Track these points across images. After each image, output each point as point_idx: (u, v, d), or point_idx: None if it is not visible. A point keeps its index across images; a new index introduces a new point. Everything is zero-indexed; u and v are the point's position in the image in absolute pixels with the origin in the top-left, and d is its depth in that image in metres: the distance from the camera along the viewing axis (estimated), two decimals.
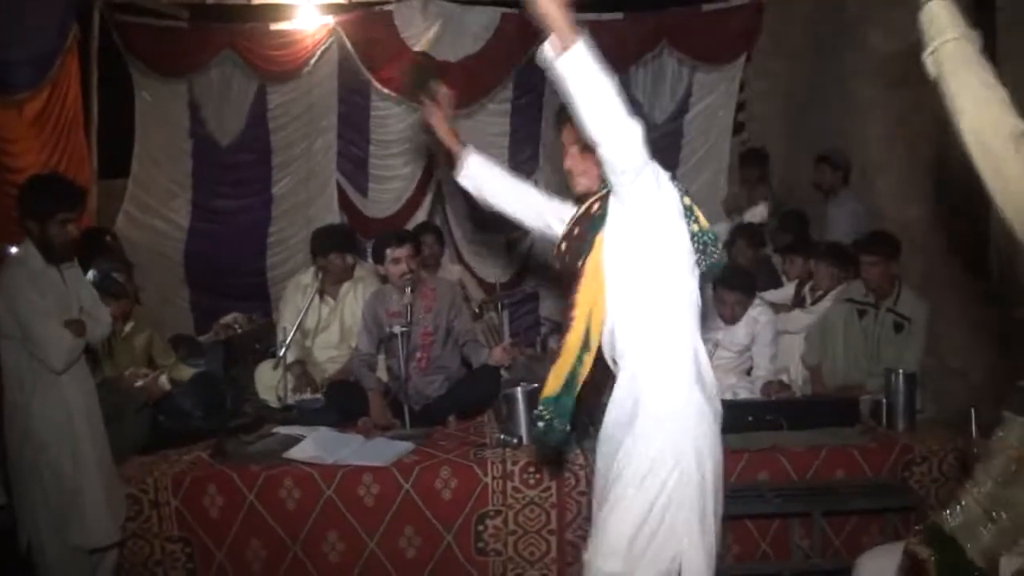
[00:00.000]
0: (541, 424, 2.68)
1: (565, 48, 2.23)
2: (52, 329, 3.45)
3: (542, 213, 2.95)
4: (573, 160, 2.67)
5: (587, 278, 2.57)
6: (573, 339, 2.59)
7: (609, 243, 2.54)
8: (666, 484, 2.43)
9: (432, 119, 3.01)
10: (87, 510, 3.57)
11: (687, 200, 2.52)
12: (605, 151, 2.33)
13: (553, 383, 2.65)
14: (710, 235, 2.56)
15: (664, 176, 2.50)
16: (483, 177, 3.01)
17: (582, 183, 2.67)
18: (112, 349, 4.57)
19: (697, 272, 2.56)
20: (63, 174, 4.78)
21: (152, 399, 4.37)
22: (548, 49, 2.27)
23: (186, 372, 4.85)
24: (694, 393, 2.54)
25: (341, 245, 5.18)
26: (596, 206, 2.61)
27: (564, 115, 2.52)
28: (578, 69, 2.24)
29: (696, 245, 2.53)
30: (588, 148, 2.44)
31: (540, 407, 2.70)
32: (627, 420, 2.54)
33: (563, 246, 2.69)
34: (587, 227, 2.61)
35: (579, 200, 2.72)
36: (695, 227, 2.52)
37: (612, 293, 2.55)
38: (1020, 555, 2.43)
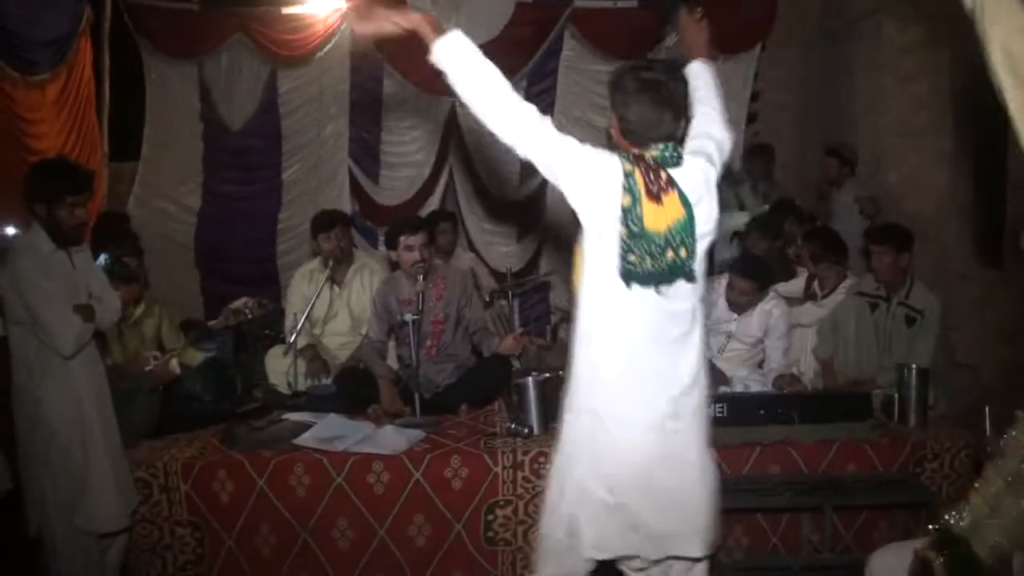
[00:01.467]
0: None
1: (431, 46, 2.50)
2: (61, 314, 3.44)
3: None
4: None
5: None
6: None
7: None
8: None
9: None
10: (96, 495, 3.57)
11: (627, 200, 2.40)
12: (489, 128, 2.49)
13: None
14: (655, 243, 2.41)
15: (592, 169, 2.45)
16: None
17: None
18: (122, 334, 4.57)
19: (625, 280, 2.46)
20: (71, 157, 4.78)
21: (162, 383, 4.37)
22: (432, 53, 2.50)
23: (196, 357, 4.84)
24: (574, 417, 2.62)
25: (327, 226, 5.16)
26: None
27: None
28: (450, 61, 2.51)
29: (622, 249, 2.43)
30: None
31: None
32: None
33: None
34: None
35: None
36: (633, 228, 2.40)
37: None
38: None
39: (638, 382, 2.54)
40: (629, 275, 2.44)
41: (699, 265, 2.52)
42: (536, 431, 4.07)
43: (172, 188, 7.41)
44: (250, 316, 5.78)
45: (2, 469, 3.89)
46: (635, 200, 2.39)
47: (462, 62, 2.51)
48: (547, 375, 4.25)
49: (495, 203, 7.50)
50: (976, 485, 2.59)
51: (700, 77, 2.80)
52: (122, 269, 4.36)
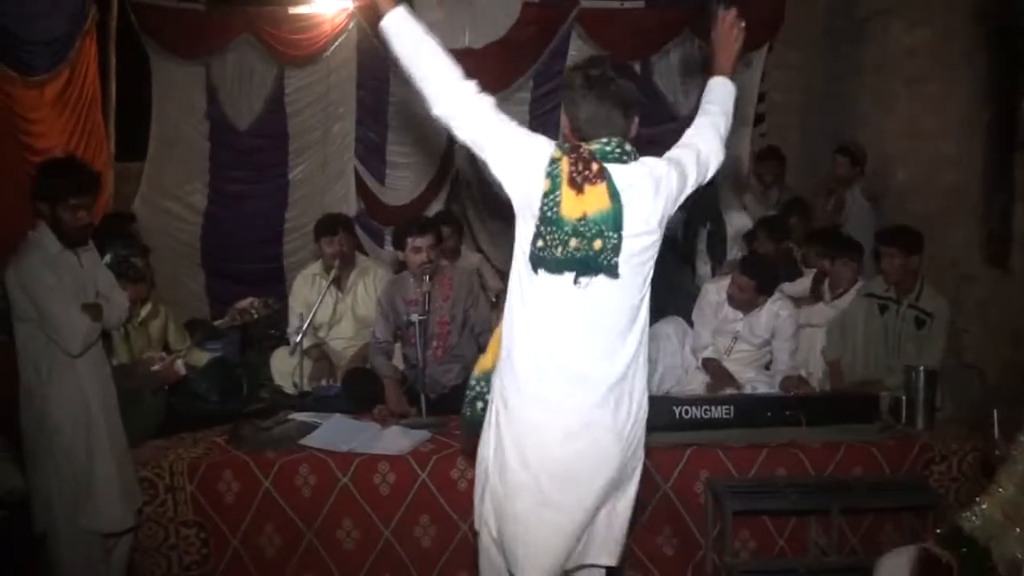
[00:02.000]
0: (479, 404, 2.65)
1: (381, 16, 2.50)
2: (69, 313, 3.44)
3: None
4: None
5: None
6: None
7: None
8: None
9: None
10: (101, 495, 3.57)
11: (547, 185, 2.37)
12: (425, 101, 2.52)
13: (491, 357, 2.62)
14: (564, 231, 2.35)
15: (519, 151, 2.47)
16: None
17: None
18: (127, 334, 4.58)
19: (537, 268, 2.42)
20: (79, 158, 4.78)
21: (168, 383, 4.37)
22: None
23: (201, 357, 4.85)
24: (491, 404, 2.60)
25: (329, 230, 5.14)
26: None
27: None
28: (394, 32, 2.49)
29: (534, 233, 2.39)
30: None
31: (473, 382, 2.68)
32: None
33: None
34: None
35: None
36: (548, 213, 2.36)
37: None
38: None
39: (548, 380, 2.46)
40: (537, 260, 2.40)
41: (629, 262, 2.42)
42: None
43: (178, 188, 7.40)
44: (256, 316, 5.79)
45: (13, 468, 3.89)
46: (555, 186, 2.35)
47: (405, 33, 2.50)
48: None
49: (501, 203, 7.45)
50: (988, 490, 2.59)
51: (714, 92, 2.80)
52: (129, 268, 4.37)
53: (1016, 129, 4.72)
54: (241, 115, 7.38)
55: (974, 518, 2.54)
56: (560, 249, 2.35)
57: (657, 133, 7.31)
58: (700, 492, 3.87)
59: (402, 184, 7.51)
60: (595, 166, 2.36)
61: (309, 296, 5.07)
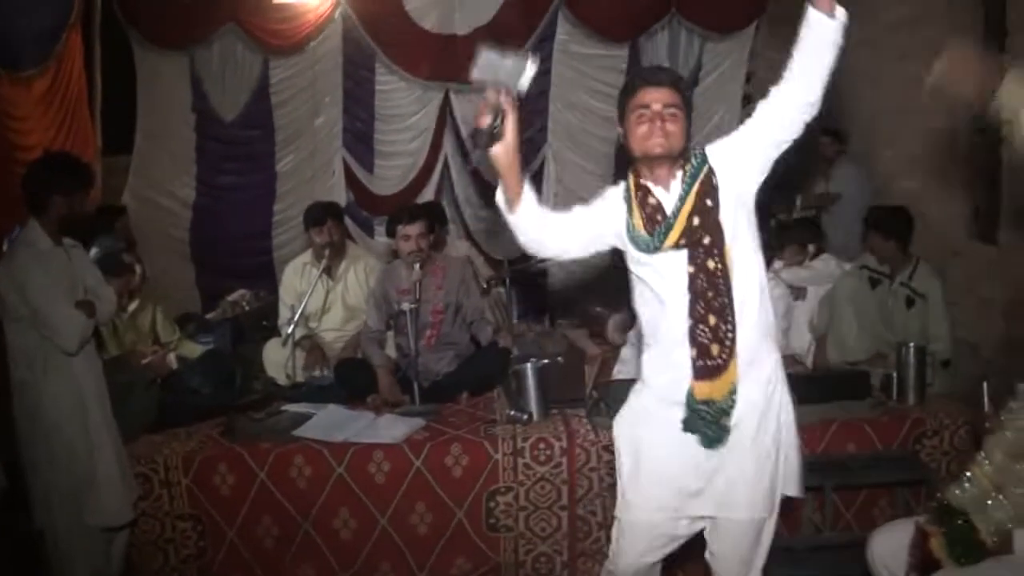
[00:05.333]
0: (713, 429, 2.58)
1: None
2: (64, 310, 3.44)
3: (587, 237, 2.91)
4: (676, 122, 2.60)
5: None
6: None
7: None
8: None
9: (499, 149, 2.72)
10: (102, 489, 3.58)
11: None
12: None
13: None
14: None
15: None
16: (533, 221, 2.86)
17: (673, 145, 2.59)
18: (116, 328, 4.56)
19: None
20: (71, 153, 4.76)
21: (159, 376, 4.36)
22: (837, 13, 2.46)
23: (194, 349, 4.84)
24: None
25: (318, 220, 5.12)
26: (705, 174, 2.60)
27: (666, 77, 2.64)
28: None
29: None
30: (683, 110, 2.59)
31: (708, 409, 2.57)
32: None
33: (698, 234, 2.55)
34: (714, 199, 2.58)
35: (646, 166, 2.69)
36: None
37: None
38: None
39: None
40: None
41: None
42: (536, 417, 4.09)
43: (166, 181, 7.37)
44: (247, 308, 5.79)
45: None
46: None
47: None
48: (546, 361, 4.26)
49: (491, 190, 7.45)
50: (975, 460, 2.60)
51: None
52: (116, 263, 4.35)
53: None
54: (226, 106, 7.36)
55: (962, 490, 2.56)
56: None
57: None
58: None
59: (391, 173, 7.50)
60: None
61: (300, 286, 5.05)
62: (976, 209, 5.10)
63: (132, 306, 4.72)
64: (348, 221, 6.78)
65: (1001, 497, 2.50)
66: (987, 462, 2.59)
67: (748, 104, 7.55)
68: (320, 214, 5.11)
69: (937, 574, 2.46)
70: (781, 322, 4.66)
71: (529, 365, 4.17)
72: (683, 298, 2.53)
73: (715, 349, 2.50)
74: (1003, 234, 4.70)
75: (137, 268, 4.74)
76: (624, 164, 7.31)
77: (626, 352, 4.59)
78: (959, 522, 2.46)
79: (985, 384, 3.03)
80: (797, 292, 5.09)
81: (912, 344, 4.15)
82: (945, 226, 5.26)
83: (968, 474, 2.60)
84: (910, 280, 4.56)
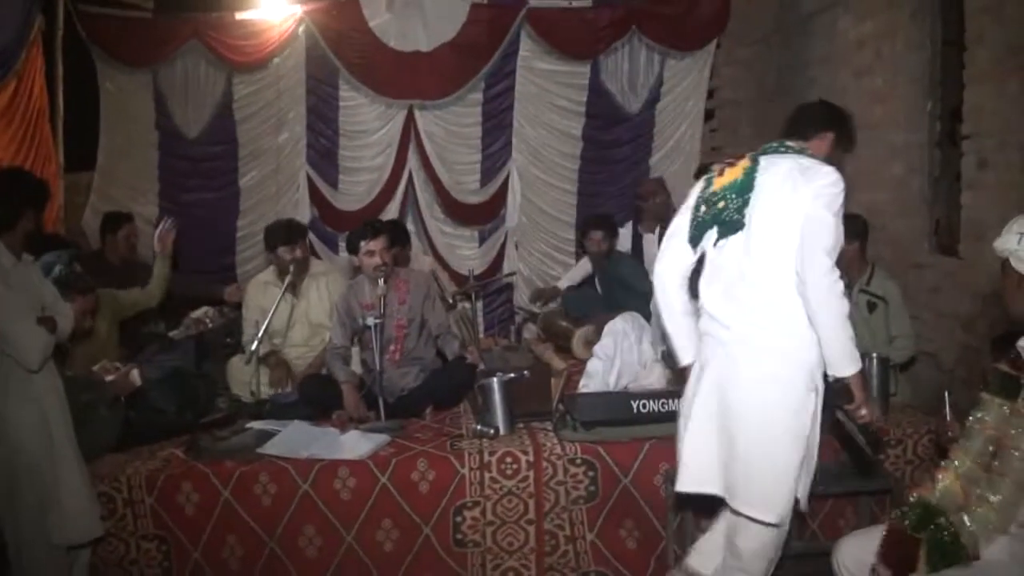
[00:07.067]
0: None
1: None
2: (27, 327, 3.38)
3: None
4: None
5: None
6: None
7: None
8: None
9: None
10: (67, 508, 3.50)
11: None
12: None
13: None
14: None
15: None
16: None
17: None
18: (73, 346, 4.48)
19: None
20: (25, 169, 4.71)
21: (123, 394, 4.30)
22: None
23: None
24: None
25: (287, 239, 5.09)
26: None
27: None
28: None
29: None
30: None
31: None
32: None
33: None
34: None
35: None
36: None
37: None
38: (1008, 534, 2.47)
39: None
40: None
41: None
42: (502, 431, 4.08)
43: (129, 198, 7.32)
44: (211, 325, 5.71)
45: None
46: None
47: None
48: (512, 375, 4.25)
49: (456, 206, 7.51)
50: (945, 465, 2.63)
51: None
52: (76, 280, 4.27)
53: (960, 120, 4.80)
54: (190, 123, 7.36)
55: (933, 494, 2.59)
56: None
57: (601, 127, 7.40)
58: (660, 485, 3.88)
59: (356, 189, 7.52)
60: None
61: (263, 303, 5.01)
62: (937, 222, 5.17)
63: (96, 322, 4.63)
64: (312, 237, 6.77)
65: (974, 507, 2.53)
66: (956, 464, 2.63)
67: (708, 120, 7.65)
68: (289, 234, 5.09)
69: None
70: None
71: (495, 379, 4.16)
72: None
73: None
74: (964, 247, 4.76)
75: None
76: (589, 179, 7.34)
77: (592, 366, 4.60)
78: (940, 522, 2.48)
79: (947, 394, 3.08)
80: None
81: (875, 355, 4.19)
82: (906, 239, 5.33)
83: (940, 476, 2.63)
84: (868, 285, 4.64)
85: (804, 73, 6.71)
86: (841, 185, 2.90)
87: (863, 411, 2.88)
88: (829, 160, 3.07)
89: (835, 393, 2.91)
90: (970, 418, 2.69)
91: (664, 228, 6.32)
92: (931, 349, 5.00)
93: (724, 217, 3.01)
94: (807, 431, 2.89)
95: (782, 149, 3.05)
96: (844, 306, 2.80)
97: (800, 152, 3.04)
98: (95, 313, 4.61)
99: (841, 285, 2.81)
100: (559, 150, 7.52)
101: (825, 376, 2.90)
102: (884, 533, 2.63)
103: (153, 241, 5.24)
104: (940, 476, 2.66)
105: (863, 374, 2.88)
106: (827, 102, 3.47)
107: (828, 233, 2.84)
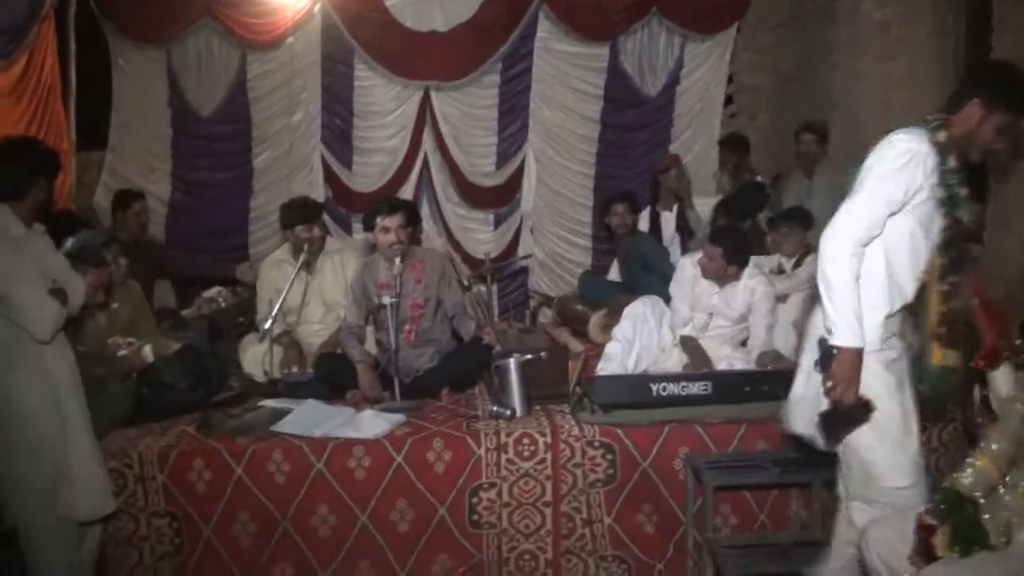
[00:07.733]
0: None
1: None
2: (39, 297, 3.33)
3: None
4: None
5: None
6: None
7: None
8: None
9: None
10: (79, 482, 3.46)
11: None
12: None
13: None
14: None
15: None
16: None
17: None
18: (85, 321, 4.43)
19: None
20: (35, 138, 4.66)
21: (135, 370, 4.26)
22: None
23: (170, 345, 4.73)
24: None
25: (305, 217, 5.04)
26: None
27: None
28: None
29: None
30: None
31: None
32: None
33: None
34: None
35: None
36: None
37: None
38: None
39: None
40: None
41: None
42: (519, 412, 4.03)
43: (141, 177, 7.25)
44: (224, 305, 5.69)
45: None
46: None
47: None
48: (528, 356, 4.20)
49: (471, 189, 7.45)
50: (979, 448, 2.57)
51: None
52: (89, 253, 4.22)
53: None
54: (203, 101, 7.30)
55: (967, 477, 2.52)
56: None
57: (620, 110, 7.33)
58: (679, 469, 3.84)
59: (370, 170, 7.46)
60: None
61: (278, 281, 4.96)
62: None
63: (114, 305, 4.57)
64: (326, 218, 6.71)
65: (1005, 495, 2.47)
66: (993, 447, 2.56)
67: (727, 104, 7.58)
68: (308, 213, 5.05)
69: (935, 564, 2.42)
70: (765, 319, 4.63)
71: (512, 360, 4.11)
72: None
73: None
74: (989, 233, 4.69)
75: (122, 261, 4.62)
76: (607, 163, 7.24)
77: (611, 348, 4.55)
78: (967, 511, 2.43)
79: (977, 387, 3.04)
80: (780, 297, 5.06)
81: None
82: None
83: (973, 460, 2.56)
84: None
85: (826, 58, 6.63)
86: (898, 159, 2.70)
87: (834, 390, 2.70)
88: (994, 134, 2.77)
89: (821, 357, 2.78)
90: (1010, 395, 2.63)
91: (682, 206, 6.30)
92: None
93: None
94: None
95: (919, 123, 2.78)
96: (835, 274, 2.71)
97: (925, 126, 2.77)
98: (109, 289, 4.56)
99: (845, 254, 2.70)
100: (576, 133, 7.45)
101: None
102: (916, 525, 2.57)
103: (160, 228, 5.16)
104: (974, 458, 2.60)
105: (849, 355, 2.68)
106: (980, 63, 3.19)
107: (861, 197, 2.75)
